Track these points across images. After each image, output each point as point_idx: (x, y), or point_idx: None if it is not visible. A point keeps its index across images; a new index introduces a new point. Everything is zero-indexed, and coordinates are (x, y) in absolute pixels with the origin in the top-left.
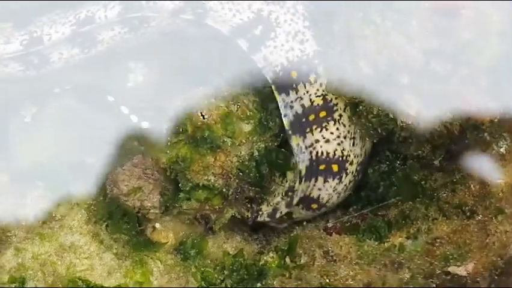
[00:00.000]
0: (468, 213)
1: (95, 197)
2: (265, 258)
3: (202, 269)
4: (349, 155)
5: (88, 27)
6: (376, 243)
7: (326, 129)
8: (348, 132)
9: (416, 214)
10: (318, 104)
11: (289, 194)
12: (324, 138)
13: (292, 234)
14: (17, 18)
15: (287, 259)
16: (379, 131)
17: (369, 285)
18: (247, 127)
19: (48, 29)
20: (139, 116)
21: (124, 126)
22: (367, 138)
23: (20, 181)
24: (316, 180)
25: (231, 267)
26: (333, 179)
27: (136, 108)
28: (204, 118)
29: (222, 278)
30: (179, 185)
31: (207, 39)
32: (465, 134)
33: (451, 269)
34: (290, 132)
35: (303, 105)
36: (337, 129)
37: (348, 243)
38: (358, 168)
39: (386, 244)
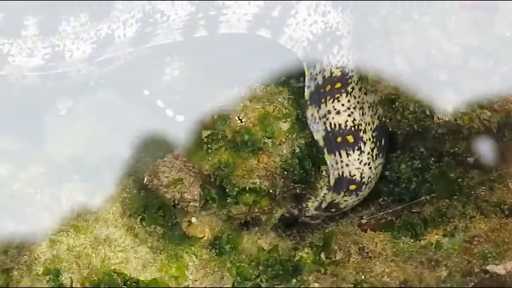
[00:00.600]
0: (507, 212)
1: (130, 190)
2: (300, 254)
3: (237, 264)
4: (360, 124)
5: (107, 49)
6: (412, 240)
7: (338, 101)
8: (358, 102)
9: (452, 212)
10: (336, 76)
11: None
12: (335, 109)
13: (327, 231)
14: (45, 17)
15: (322, 255)
16: (415, 127)
17: (406, 283)
18: (285, 125)
19: (71, 45)
20: (174, 110)
21: (160, 120)
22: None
23: (56, 174)
24: (340, 156)
25: (265, 262)
26: (353, 151)
27: (171, 101)
28: (241, 122)
29: (257, 274)
30: (226, 190)
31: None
32: (503, 131)
33: (489, 267)
34: (308, 102)
35: (323, 77)
36: (348, 101)
37: (383, 240)
38: (374, 135)
39: (422, 241)
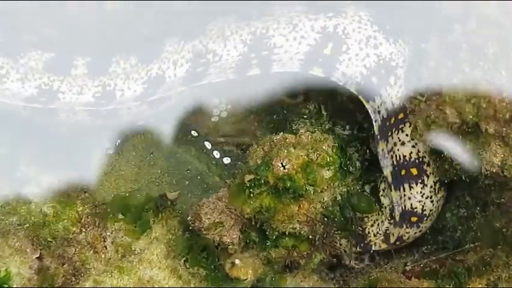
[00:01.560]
0: None
1: (175, 232)
2: None
3: None
4: (424, 156)
5: (159, 88)
6: None
7: (402, 131)
8: None
9: (496, 261)
10: (397, 106)
11: (393, 215)
12: (400, 140)
13: (372, 277)
14: (94, 59)
15: None
16: (463, 178)
17: None
18: (328, 173)
19: (122, 84)
20: (221, 152)
21: (206, 162)
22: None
23: (101, 213)
24: (404, 190)
25: None
26: (417, 184)
27: (218, 143)
28: (284, 168)
29: None
30: (266, 233)
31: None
32: None
33: None
34: (379, 137)
35: (386, 109)
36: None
37: None
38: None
39: None
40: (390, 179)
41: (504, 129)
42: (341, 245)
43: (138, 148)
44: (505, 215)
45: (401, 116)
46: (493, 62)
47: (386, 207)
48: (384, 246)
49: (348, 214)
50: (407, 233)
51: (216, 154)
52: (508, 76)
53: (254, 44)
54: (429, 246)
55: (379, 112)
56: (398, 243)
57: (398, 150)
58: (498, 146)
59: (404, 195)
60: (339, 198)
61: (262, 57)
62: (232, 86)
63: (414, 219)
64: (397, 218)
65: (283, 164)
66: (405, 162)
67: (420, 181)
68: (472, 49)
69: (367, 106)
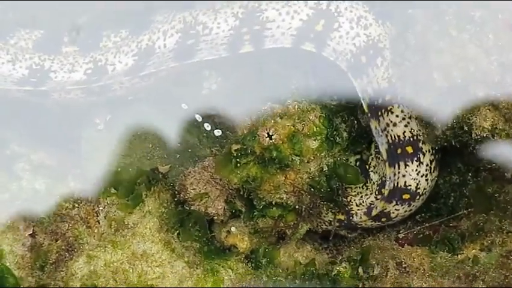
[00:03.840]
0: None
1: (167, 205)
2: (337, 268)
3: (274, 278)
4: (419, 134)
5: (149, 61)
6: (449, 255)
7: (392, 113)
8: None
9: (489, 226)
10: (384, 87)
11: (382, 190)
12: (391, 121)
13: (364, 245)
14: (85, 33)
15: (360, 270)
16: (453, 143)
17: None
18: (314, 144)
19: (113, 58)
20: (211, 124)
21: (197, 134)
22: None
23: (94, 188)
24: (399, 167)
25: (302, 276)
26: (412, 162)
27: (209, 116)
28: (271, 139)
29: None
30: (253, 203)
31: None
32: None
33: None
34: (369, 115)
35: (373, 89)
36: (401, 111)
37: (421, 255)
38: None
39: (459, 256)
40: (385, 156)
41: (493, 92)
42: (325, 216)
43: (129, 123)
44: (498, 180)
45: (388, 97)
46: (480, 26)
47: (374, 183)
48: (365, 218)
49: (335, 185)
50: (396, 210)
51: (207, 126)
52: (495, 39)
53: (246, 17)
54: (423, 214)
55: (366, 91)
56: (384, 219)
57: (391, 130)
58: (488, 110)
59: (399, 172)
60: (325, 168)
61: (255, 33)
62: (224, 61)
63: (406, 196)
64: (386, 193)
65: (270, 134)
66: (400, 142)
67: (416, 159)
68: (458, 12)
69: (355, 84)
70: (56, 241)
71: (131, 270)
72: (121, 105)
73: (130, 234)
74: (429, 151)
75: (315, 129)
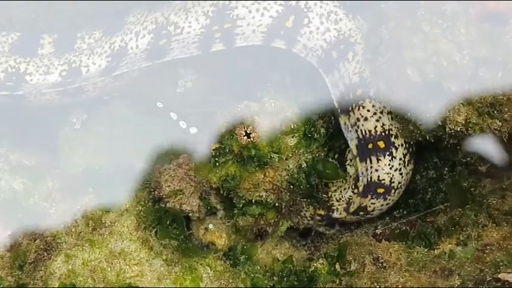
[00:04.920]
0: None
1: (144, 203)
2: (315, 264)
3: (252, 275)
4: (391, 129)
5: (122, 62)
6: (426, 250)
7: (363, 107)
8: (384, 107)
9: (465, 221)
10: (355, 82)
11: (357, 184)
12: (362, 116)
13: (341, 241)
14: (61, 35)
15: (337, 266)
16: (427, 137)
17: None
18: (292, 141)
19: (86, 60)
20: (187, 122)
21: (173, 132)
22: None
23: (71, 188)
24: (371, 162)
25: (280, 273)
26: (384, 156)
27: (184, 114)
28: (249, 137)
29: (271, 284)
30: (233, 201)
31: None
32: None
33: (501, 275)
34: (339, 111)
35: (344, 84)
36: (373, 106)
37: (398, 250)
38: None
39: (436, 251)
40: (355, 152)
41: (467, 86)
42: (306, 211)
43: (105, 122)
44: (473, 174)
45: (359, 92)
46: (452, 20)
47: (351, 176)
48: (344, 214)
49: (314, 181)
50: (372, 203)
51: (183, 124)
52: (466, 33)
53: (216, 16)
54: (400, 210)
55: (337, 86)
56: (362, 213)
57: (362, 125)
58: (461, 105)
59: (371, 167)
60: (304, 165)
61: (225, 31)
62: (199, 59)
63: (380, 190)
64: (361, 188)
65: (248, 133)
66: (371, 137)
67: (388, 153)
68: (430, 7)
69: (326, 80)
70: (35, 240)
71: (109, 269)
72: (97, 104)
73: (108, 233)
74: (402, 145)
75: (292, 127)
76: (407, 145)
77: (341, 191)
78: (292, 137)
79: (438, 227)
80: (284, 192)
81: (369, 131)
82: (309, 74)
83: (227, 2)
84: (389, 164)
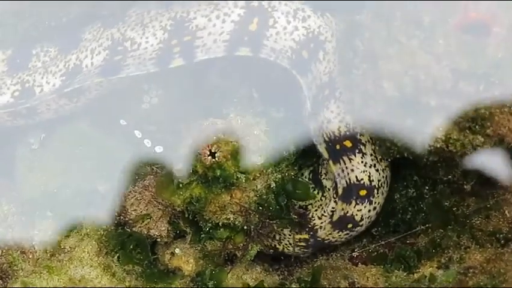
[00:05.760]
0: (502, 241)
1: (106, 227)
2: None
3: None
4: (355, 127)
5: (75, 79)
6: (405, 273)
7: (327, 108)
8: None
9: (447, 242)
10: (324, 82)
11: (337, 191)
12: (326, 118)
13: (316, 265)
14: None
15: None
16: (405, 155)
17: None
18: (260, 159)
19: (40, 79)
20: (152, 140)
21: (137, 151)
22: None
23: (28, 211)
24: (344, 162)
25: None
26: (355, 155)
27: (149, 131)
28: (214, 157)
29: None
30: (200, 225)
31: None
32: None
33: None
34: (312, 114)
35: (316, 85)
36: (337, 106)
37: (375, 274)
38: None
39: (415, 275)
40: (327, 155)
41: (446, 100)
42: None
43: (65, 141)
44: (456, 193)
45: (326, 92)
46: (430, 31)
47: (329, 189)
48: (330, 230)
49: (283, 201)
50: (358, 210)
51: (147, 143)
52: (445, 44)
53: (175, 29)
54: (379, 229)
55: (311, 89)
56: (350, 225)
57: (326, 127)
58: (441, 120)
59: (346, 167)
60: (273, 185)
61: (185, 44)
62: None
63: (363, 192)
64: (340, 192)
65: (213, 152)
66: (337, 138)
67: (357, 151)
68: (406, 18)
69: (301, 82)
70: None
71: None
72: (56, 123)
73: (67, 259)
74: (369, 141)
75: (260, 145)
76: (373, 140)
77: (322, 207)
78: (260, 156)
79: (419, 249)
80: (253, 214)
81: (333, 133)
82: (278, 83)
83: (185, 13)
84: (362, 162)
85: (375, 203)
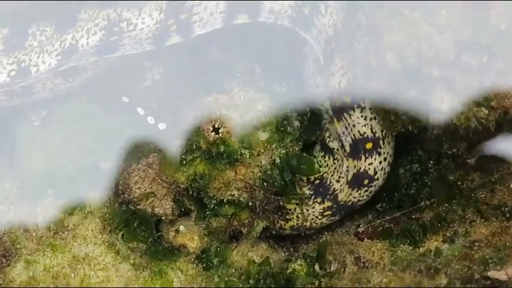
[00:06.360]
0: (508, 215)
1: (110, 204)
2: (292, 266)
3: (226, 278)
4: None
5: (70, 58)
6: (410, 248)
7: (332, 62)
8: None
9: (452, 216)
10: (331, 35)
11: (345, 149)
12: (331, 72)
13: (321, 240)
14: (12, 31)
15: (316, 266)
16: (409, 128)
17: None
18: (264, 135)
19: (36, 58)
20: (155, 118)
21: (140, 129)
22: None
23: (30, 189)
24: (345, 118)
25: (256, 276)
26: (354, 110)
27: (152, 109)
28: (217, 133)
29: None
30: (204, 202)
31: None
32: (502, 130)
33: (490, 273)
34: (323, 63)
35: (323, 39)
36: (341, 60)
37: (381, 249)
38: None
39: (421, 249)
40: (331, 112)
41: (449, 72)
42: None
43: (66, 119)
44: (460, 168)
45: (332, 45)
46: (432, 2)
47: (338, 150)
48: (349, 190)
49: (287, 177)
50: (370, 164)
51: (150, 120)
52: (448, 16)
53: (171, 8)
54: (384, 204)
55: (319, 42)
56: (366, 181)
57: (330, 81)
58: (444, 92)
59: (348, 124)
60: (277, 160)
61: (182, 22)
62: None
63: (369, 145)
64: (348, 149)
65: (217, 127)
66: (337, 93)
67: (356, 106)
68: None
69: (307, 37)
70: None
71: (72, 275)
72: (58, 100)
73: (71, 237)
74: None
75: (264, 120)
76: (392, 137)
77: (337, 170)
78: (264, 131)
79: (424, 224)
80: (257, 190)
81: (334, 87)
82: (279, 51)
83: None
84: (362, 116)
85: (384, 153)
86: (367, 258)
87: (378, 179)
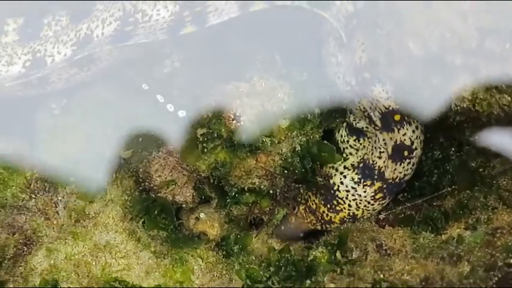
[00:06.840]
0: None
1: (131, 192)
2: (314, 253)
3: (247, 266)
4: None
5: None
6: (432, 235)
7: (354, 37)
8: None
9: (474, 203)
10: (351, 12)
11: (376, 123)
12: (353, 47)
13: (342, 228)
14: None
15: (338, 254)
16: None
17: (427, 280)
18: (285, 123)
19: (51, 49)
20: (175, 105)
21: (160, 116)
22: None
23: (51, 177)
24: (370, 93)
25: (277, 263)
26: (375, 85)
27: (172, 96)
28: (238, 120)
29: (267, 276)
30: (225, 190)
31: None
32: None
33: None
34: (346, 41)
35: (343, 16)
36: (362, 36)
37: (403, 236)
38: None
39: (443, 236)
40: (358, 88)
41: (472, 59)
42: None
43: (86, 107)
44: (482, 154)
45: (354, 21)
46: None
47: (367, 127)
48: (392, 165)
49: (308, 165)
50: (404, 135)
51: (170, 108)
52: (471, 2)
53: (186, 2)
54: (405, 194)
55: (340, 20)
56: (406, 152)
57: (354, 56)
58: (466, 79)
59: (372, 98)
60: (298, 148)
61: (196, 13)
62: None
63: (397, 117)
64: (379, 123)
65: (238, 115)
66: (359, 68)
67: (377, 81)
68: None
69: (327, 16)
70: (14, 234)
71: (94, 263)
72: (78, 88)
73: (92, 225)
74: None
75: (284, 108)
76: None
77: (375, 147)
78: (285, 119)
79: (446, 211)
80: (278, 178)
81: (355, 62)
82: (298, 37)
83: None
84: (383, 90)
85: (414, 121)
86: (389, 246)
87: (416, 148)
